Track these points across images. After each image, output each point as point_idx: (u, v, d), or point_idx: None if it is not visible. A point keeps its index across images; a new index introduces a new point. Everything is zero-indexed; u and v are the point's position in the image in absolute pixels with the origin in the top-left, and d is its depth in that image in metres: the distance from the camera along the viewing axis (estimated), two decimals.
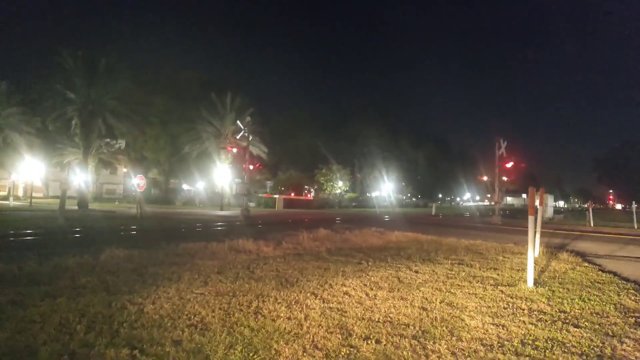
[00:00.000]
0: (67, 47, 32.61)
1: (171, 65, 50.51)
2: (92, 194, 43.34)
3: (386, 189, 67.56)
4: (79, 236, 12.88)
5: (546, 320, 4.51)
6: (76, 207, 30.35)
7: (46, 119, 35.45)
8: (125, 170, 55.92)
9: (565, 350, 3.70)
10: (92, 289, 5.39)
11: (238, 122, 34.85)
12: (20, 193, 47.24)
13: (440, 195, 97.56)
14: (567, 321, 4.51)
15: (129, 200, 46.70)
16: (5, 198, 40.25)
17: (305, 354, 3.45)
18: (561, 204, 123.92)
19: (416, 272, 7.14)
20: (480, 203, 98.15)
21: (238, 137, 37.42)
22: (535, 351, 3.64)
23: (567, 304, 5.22)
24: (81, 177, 33.74)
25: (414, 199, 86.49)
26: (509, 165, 27.15)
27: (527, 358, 3.48)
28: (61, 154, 38.53)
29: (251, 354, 3.39)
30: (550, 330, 4.18)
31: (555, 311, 4.89)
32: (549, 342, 3.87)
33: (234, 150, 39.76)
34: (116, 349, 3.41)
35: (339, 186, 59.26)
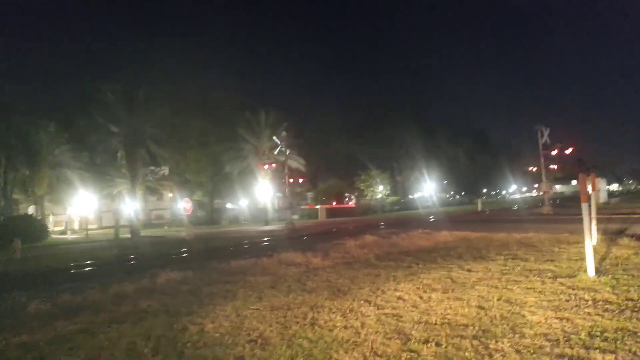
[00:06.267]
0: (106, 82, 34.16)
1: (203, 87, 51.97)
2: (142, 221, 44.94)
3: (428, 189, 66.39)
4: (134, 263, 13.39)
5: (613, 310, 4.32)
6: (129, 235, 31.62)
7: (93, 153, 37.19)
8: (170, 195, 57.64)
9: (638, 339, 3.52)
10: (153, 312, 5.61)
11: (274, 137, 35.37)
12: (75, 226, 49.56)
13: (484, 190, 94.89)
14: (636, 309, 4.29)
15: (178, 224, 48.11)
16: (63, 232, 42.54)
17: None
18: (615, 186, 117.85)
19: (469, 270, 6.99)
20: (528, 194, 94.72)
21: (275, 153, 37.89)
22: (605, 343, 3.49)
23: (634, 291, 4.97)
24: (131, 206, 35.11)
25: (457, 197, 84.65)
26: (554, 152, 26.23)
27: (597, 350, 3.34)
28: (110, 185, 40.13)
29: None
30: (618, 320, 4.00)
31: (622, 299, 4.67)
32: (618, 332, 3.70)
33: (273, 165, 40.33)
34: None
35: (380, 191, 58.81)
